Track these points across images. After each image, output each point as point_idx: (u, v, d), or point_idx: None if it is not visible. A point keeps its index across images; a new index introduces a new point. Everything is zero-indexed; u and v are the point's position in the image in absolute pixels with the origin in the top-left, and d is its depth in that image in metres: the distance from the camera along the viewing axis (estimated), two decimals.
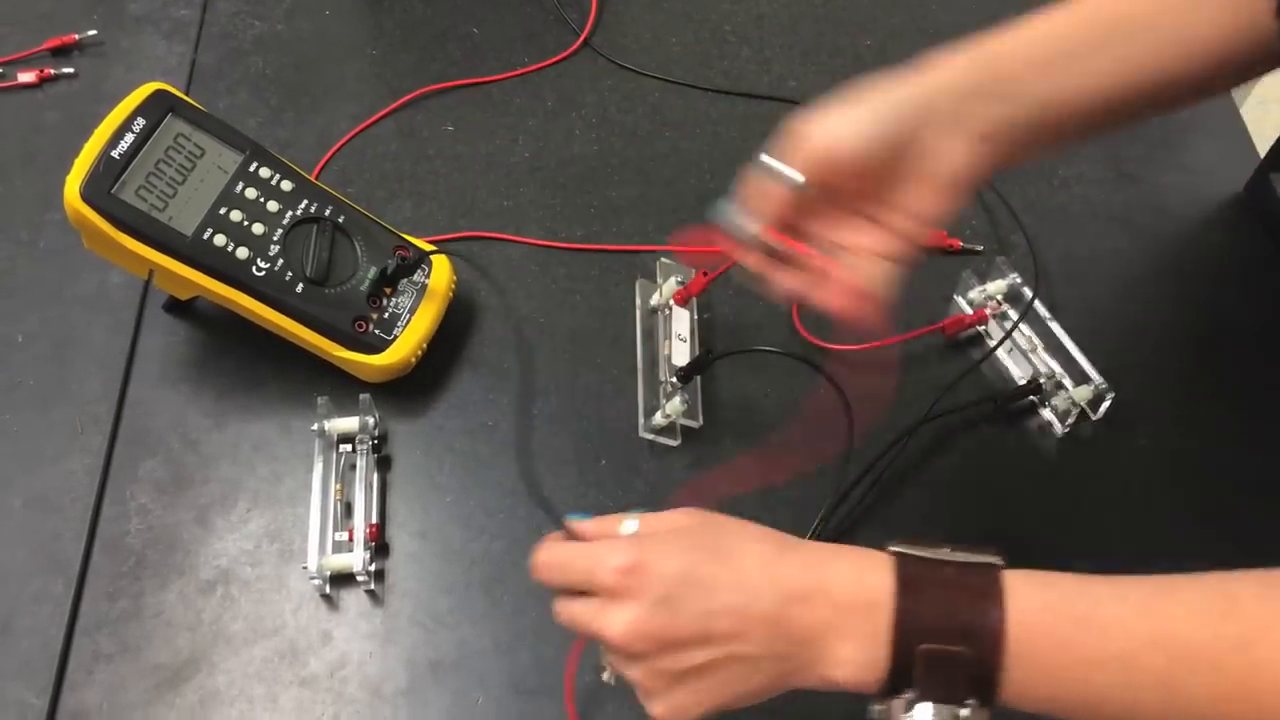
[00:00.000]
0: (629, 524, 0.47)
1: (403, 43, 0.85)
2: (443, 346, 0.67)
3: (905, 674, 0.41)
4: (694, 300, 0.69)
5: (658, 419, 0.64)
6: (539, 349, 0.69)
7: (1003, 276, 0.69)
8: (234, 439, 0.65)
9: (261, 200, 0.64)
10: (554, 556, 0.47)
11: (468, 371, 0.68)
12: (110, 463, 0.63)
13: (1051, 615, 0.41)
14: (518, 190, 0.76)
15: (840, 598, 0.42)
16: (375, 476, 0.63)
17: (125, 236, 0.59)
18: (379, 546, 0.61)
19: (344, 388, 0.64)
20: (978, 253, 0.74)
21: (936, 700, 0.40)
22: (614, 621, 0.43)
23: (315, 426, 0.62)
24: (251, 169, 0.64)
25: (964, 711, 0.41)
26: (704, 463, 0.64)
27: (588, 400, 0.67)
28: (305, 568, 0.59)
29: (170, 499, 0.62)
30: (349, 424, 0.63)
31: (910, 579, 0.42)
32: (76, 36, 0.82)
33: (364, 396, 0.63)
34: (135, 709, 0.56)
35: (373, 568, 0.59)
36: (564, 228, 0.74)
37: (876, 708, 0.43)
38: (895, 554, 0.43)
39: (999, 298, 0.69)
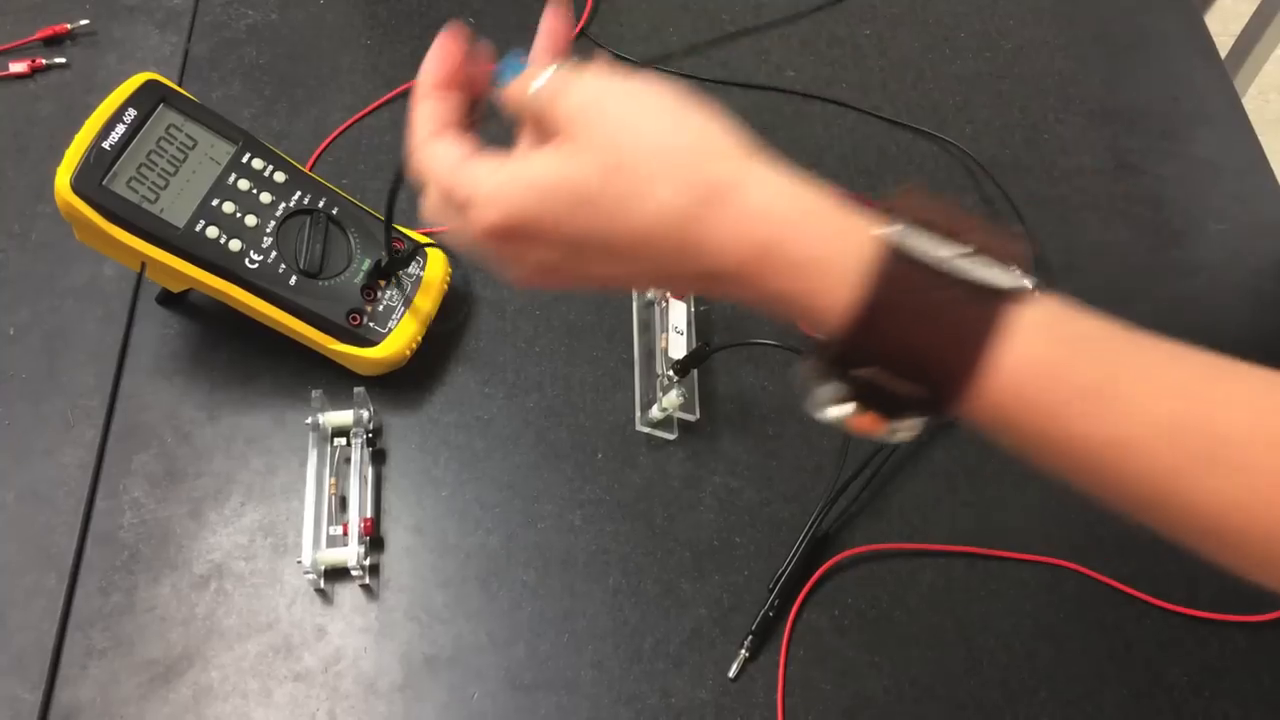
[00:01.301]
0: (539, 81, 0.36)
1: (397, 32, 0.84)
2: (438, 340, 0.67)
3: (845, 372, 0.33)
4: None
5: (654, 412, 0.63)
6: (535, 342, 0.68)
7: None
8: (228, 432, 0.64)
9: (254, 192, 0.63)
10: (427, 162, 0.38)
11: (463, 365, 0.67)
12: (103, 456, 0.63)
13: (1051, 380, 0.34)
14: None
15: (775, 286, 0.33)
16: (370, 470, 0.62)
17: (116, 228, 0.59)
18: (374, 541, 0.61)
19: (338, 381, 0.64)
20: None
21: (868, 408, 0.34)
22: (496, 268, 0.38)
23: (309, 420, 0.62)
24: (244, 160, 0.63)
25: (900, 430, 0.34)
26: (701, 456, 0.64)
27: (584, 393, 0.66)
28: (299, 562, 0.58)
29: (163, 493, 0.62)
30: (343, 417, 0.63)
31: (886, 298, 0.32)
32: (69, 26, 0.81)
33: (358, 390, 0.63)
34: (128, 704, 0.55)
35: (367, 562, 0.59)
36: None
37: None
38: (888, 249, 0.32)
39: None
